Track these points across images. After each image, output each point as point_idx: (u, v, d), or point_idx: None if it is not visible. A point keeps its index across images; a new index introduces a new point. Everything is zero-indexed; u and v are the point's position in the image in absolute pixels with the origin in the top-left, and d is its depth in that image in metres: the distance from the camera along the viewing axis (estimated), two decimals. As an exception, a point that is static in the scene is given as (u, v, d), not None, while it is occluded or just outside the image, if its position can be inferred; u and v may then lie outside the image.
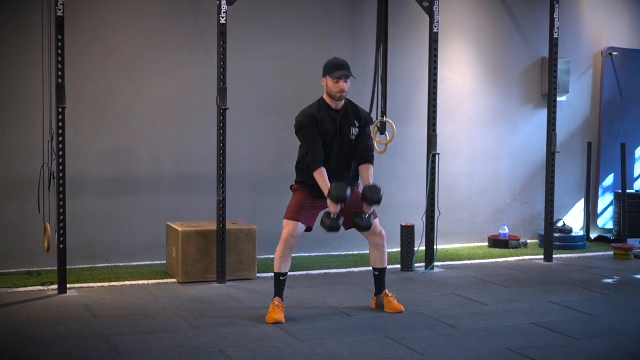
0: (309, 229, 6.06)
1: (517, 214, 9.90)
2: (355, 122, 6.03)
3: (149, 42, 8.10)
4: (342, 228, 5.95)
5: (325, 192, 5.81)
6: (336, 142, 5.99)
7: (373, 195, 5.91)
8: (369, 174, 6.03)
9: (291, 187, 6.17)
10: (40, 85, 7.12)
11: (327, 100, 5.99)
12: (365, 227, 5.99)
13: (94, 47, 7.86)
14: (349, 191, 5.79)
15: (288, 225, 5.96)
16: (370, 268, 6.33)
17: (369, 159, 6.06)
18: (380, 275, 6.25)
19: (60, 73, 6.61)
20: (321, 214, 5.95)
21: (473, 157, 9.62)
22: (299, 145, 6.10)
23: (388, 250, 6.29)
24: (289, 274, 6.05)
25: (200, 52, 8.16)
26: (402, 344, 5.33)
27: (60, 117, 6.61)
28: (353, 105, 6.10)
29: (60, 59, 6.60)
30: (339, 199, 5.76)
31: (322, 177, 5.85)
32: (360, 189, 6.06)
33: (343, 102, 6.01)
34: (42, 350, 5.07)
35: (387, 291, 6.24)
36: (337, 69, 5.91)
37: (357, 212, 5.96)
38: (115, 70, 7.95)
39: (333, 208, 5.80)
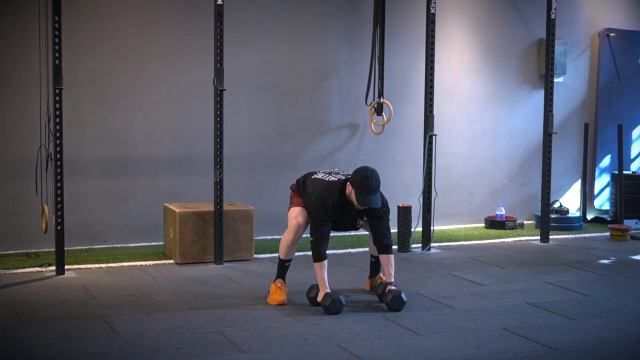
0: None
1: (513, 194, 9.91)
2: (364, 216, 5.89)
3: (147, 22, 8.08)
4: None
5: (322, 289, 5.72)
6: (345, 222, 5.91)
7: (397, 307, 5.70)
8: (390, 266, 5.86)
9: (291, 187, 6.15)
10: (37, 66, 7.10)
11: (348, 197, 5.75)
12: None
13: (91, 27, 7.84)
14: (341, 308, 5.65)
15: (298, 215, 5.91)
16: (367, 249, 6.34)
17: (388, 249, 5.88)
18: (377, 262, 6.23)
19: (57, 54, 6.59)
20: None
21: (470, 138, 9.63)
22: (306, 174, 6.09)
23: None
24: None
25: (197, 32, 8.13)
26: (399, 323, 5.36)
27: (57, 98, 6.60)
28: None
29: (57, 39, 6.58)
30: (330, 313, 5.62)
31: (322, 271, 5.72)
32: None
33: None
34: (40, 331, 5.09)
35: (381, 274, 6.24)
36: (366, 194, 5.60)
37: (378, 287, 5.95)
38: (112, 50, 7.93)
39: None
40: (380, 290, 5.92)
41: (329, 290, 5.69)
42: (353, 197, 5.64)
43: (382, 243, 5.87)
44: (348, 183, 5.68)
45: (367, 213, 5.89)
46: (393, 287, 5.78)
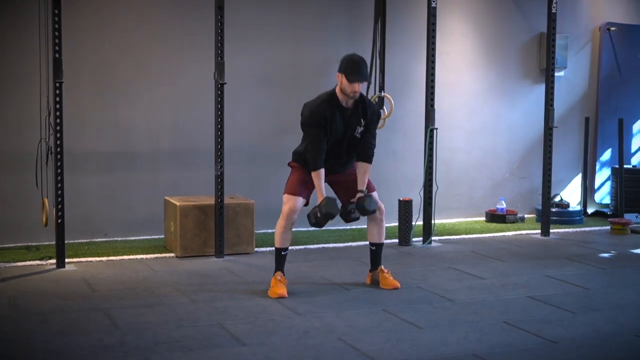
0: (306, 203, 6.07)
1: (514, 188, 9.91)
2: (362, 120, 5.91)
3: (147, 15, 8.06)
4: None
5: (319, 197, 5.88)
6: (341, 139, 5.92)
7: (369, 207, 5.96)
8: (365, 174, 5.99)
9: (289, 164, 6.17)
10: (37, 60, 7.09)
11: (339, 95, 5.82)
12: (352, 219, 6.06)
13: (91, 20, 7.83)
14: (337, 209, 5.88)
15: (289, 201, 5.94)
16: (366, 243, 6.35)
17: (369, 159, 6.00)
18: (377, 251, 6.25)
19: (57, 47, 6.58)
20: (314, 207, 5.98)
21: (471, 132, 9.62)
22: (301, 136, 6.08)
23: (386, 225, 6.31)
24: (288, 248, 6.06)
25: (198, 25, 8.12)
26: (400, 317, 5.36)
27: (58, 91, 6.59)
28: (364, 102, 5.94)
29: (57, 33, 6.57)
30: (327, 216, 5.86)
31: (319, 180, 5.84)
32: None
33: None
34: (40, 324, 5.09)
35: (382, 267, 6.24)
36: (354, 72, 5.73)
37: (344, 206, 6.05)
38: (112, 44, 7.92)
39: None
40: (344, 210, 6.06)
41: (326, 196, 5.87)
42: (345, 83, 5.75)
43: (365, 152, 5.98)
44: (337, 74, 5.81)
45: (363, 116, 5.92)
46: (362, 194, 5.98)
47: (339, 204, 5.93)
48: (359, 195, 5.96)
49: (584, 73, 10.19)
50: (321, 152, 5.82)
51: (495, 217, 9.40)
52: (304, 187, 5.98)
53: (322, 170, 5.83)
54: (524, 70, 9.81)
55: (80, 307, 5.50)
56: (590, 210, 10.07)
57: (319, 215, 5.86)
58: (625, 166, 9.69)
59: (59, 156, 6.64)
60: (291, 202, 5.93)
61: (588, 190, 10.15)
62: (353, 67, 5.77)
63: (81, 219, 7.78)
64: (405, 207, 7.92)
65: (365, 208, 5.92)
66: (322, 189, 5.86)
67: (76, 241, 7.70)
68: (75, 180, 7.68)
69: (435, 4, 7.91)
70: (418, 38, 8.88)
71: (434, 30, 7.94)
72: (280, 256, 6.01)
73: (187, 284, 6.21)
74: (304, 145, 5.92)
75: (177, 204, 7.24)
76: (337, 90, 5.84)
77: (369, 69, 5.81)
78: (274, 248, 6.10)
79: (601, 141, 10.24)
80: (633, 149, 10.40)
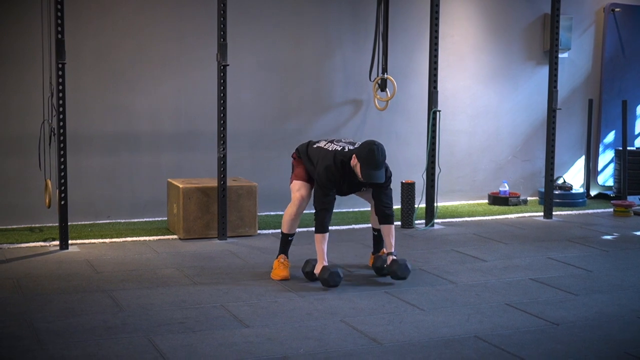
0: None
1: (517, 171, 9.91)
2: (368, 185, 5.89)
3: (149, -3, 8.06)
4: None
5: (320, 261, 5.72)
6: (348, 189, 5.95)
7: (401, 274, 5.76)
8: (390, 236, 5.87)
9: (292, 156, 6.14)
10: (39, 41, 7.08)
11: (352, 166, 5.72)
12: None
13: (93, 3, 7.80)
14: (339, 280, 5.66)
15: (301, 188, 5.93)
16: (370, 225, 6.34)
17: (389, 220, 5.87)
18: (379, 236, 6.24)
19: (59, 28, 6.57)
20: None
21: (474, 114, 9.61)
22: (308, 142, 6.07)
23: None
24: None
25: (201, 8, 8.10)
26: (402, 299, 5.37)
27: (60, 72, 6.59)
28: None
29: (59, 14, 6.56)
30: (328, 286, 5.66)
31: (322, 244, 5.72)
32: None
33: None
34: (44, 305, 5.10)
35: (384, 250, 6.24)
36: (370, 175, 5.59)
37: (377, 260, 6.03)
38: (115, 25, 7.90)
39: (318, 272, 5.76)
40: (379, 263, 5.98)
41: (327, 263, 5.71)
42: (358, 170, 5.65)
43: (383, 213, 5.87)
44: (354, 155, 5.67)
45: (371, 183, 5.88)
46: (394, 257, 5.81)
47: (341, 273, 5.70)
48: (391, 258, 5.82)
49: (588, 54, 10.16)
50: (330, 213, 5.75)
51: (498, 200, 9.41)
52: (311, 176, 5.97)
53: (327, 235, 5.74)
54: (527, 52, 9.78)
55: (84, 289, 5.52)
56: (593, 193, 10.07)
57: (322, 282, 5.72)
58: (628, 148, 9.68)
59: (61, 138, 6.65)
60: (302, 190, 5.92)
61: (591, 172, 10.14)
62: (370, 169, 5.61)
63: (84, 200, 7.80)
64: (407, 190, 7.92)
65: (397, 275, 5.77)
66: (324, 254, 5.73)
67: (79, 223, 7.72)
68: (78, 162, 7.69)
69: (439, -15, 7.89)
70: (421, 20, 8.86)
71: (437, 12, 7.92)
72: (286, 241, 6.00)
73: (190, 266, 6.22)
74: (317, 169, 5.82)
75: (180, 186, 7.25)
76: (352, 164, 5.71)
77: (385, 157, 5.66)
78: (277, 230, 6.13)
79: (605, 123, 10.22)
80: (636, 131, 10.38)
